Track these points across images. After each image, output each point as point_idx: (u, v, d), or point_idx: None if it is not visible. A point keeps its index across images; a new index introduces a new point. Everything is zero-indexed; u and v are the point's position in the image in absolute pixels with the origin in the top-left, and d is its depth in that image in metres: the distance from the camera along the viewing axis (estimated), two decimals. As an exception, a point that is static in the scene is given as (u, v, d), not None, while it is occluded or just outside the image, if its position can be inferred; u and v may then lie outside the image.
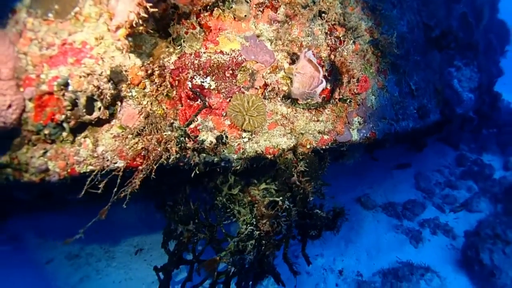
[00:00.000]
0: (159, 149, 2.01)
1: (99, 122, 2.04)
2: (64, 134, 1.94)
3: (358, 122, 3.11)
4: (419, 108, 3.59)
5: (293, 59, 2.56)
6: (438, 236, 4.75)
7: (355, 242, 4.48)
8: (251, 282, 2.78)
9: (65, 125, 1.92)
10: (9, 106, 1.74)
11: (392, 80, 3.45)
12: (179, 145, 2.05)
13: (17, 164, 1.97)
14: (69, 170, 2.04)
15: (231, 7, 2.21)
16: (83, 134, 2.04)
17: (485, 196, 5.45)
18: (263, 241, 2.70)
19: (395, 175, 5.80)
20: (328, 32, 2.79)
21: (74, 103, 1.88)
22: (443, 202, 5.39)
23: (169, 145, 2.05)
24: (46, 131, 1.92)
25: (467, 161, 6.57)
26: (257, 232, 2.73)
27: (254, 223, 2.79)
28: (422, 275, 3.82)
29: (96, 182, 2.09)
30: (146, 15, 1.66)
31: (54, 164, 2.00)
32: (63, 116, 1.89)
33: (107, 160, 2.07)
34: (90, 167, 2.07)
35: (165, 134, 2.04)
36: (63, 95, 1.85)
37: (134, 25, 1.67)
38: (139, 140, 2.06)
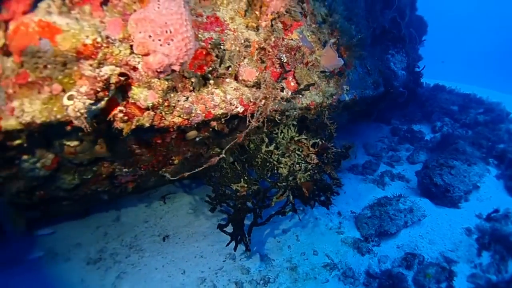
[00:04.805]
0: (272, 96, 2.88)
1: (225, 76, 2.79)
2: (211, 82, 2.63)
3: (346, 89, 4.42)
4: (373, 82, 5.13)
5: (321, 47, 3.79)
6: (395, 182, 6.37)
7: (340, 193, 5.70)
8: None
9: (209, 75, 2.63)
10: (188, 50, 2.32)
11: (358, 64, 4.91)
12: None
13: (167, 106, 2.51)
14: (206, 113, 2.70)
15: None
16: (215, 86, 2.75)
17: (423, 151, 7.30)
18: (316, 170, 3.67)
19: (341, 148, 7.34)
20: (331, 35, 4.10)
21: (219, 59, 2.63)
22: (391, 161, 7.13)
23: (275, 94, 2.93)
24: (193, 79, 2.57)
25: (400, 131, 8.40)
26: (309, 166, 3.69)
27: (303, 161, 3.75)
28: (398, 200, 5.22)
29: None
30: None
31: (196, 107, 2.63)
32: (210, 68, 2.60)
33: (233, 105, 2.80)
34: (222, 111, 2.76)
35: (272, 85, 2.91)
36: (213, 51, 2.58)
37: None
38: (255, 90, 2.88)
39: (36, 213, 4.21)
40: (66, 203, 4.10)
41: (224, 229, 3.85)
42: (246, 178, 3.92)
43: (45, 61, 2.29)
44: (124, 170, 3.60)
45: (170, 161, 3.63)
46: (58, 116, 2.39)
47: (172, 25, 2.11)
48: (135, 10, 2.46)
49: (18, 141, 2.56)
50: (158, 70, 2.27)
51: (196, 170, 2.78)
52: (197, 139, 3.44)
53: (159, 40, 2.15)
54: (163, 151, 3.35)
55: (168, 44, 2.14)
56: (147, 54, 2.25)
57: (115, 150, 3.23)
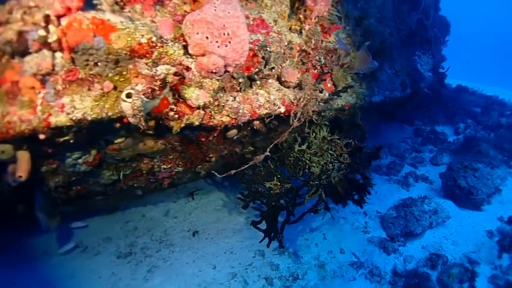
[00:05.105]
0: (313, 97, 2.93)
1: (268, 77, 2.85)
2: (258, 82, 2.69)
3: (376, 90, 4.44)
4: (401, 83, 5.16)
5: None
6: (419, 183, 6.40)
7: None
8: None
9: (255, 76, 2.69)
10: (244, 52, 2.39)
11: (387, 65, 4.94)
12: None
13: (217, 105, 2.57)
14: (252, 113, 2.76)
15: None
16: (259, 86, 2.81)
17: (446, 152, 7.30)
18: (348, 170, 3.72)
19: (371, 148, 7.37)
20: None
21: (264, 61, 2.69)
22: (414, 162, 7.14)
23: (315, 95, 2.98)
24: (241, 80, 2.63)
25: (423, 132, 8.36)
26: (342, 165, 3.74)
27: (336, 161, 3.80)
28: (423, 201, 5.28)
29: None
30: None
31: (243, 107, 2.69)
32: (256, 70, 2.66)
33: (276, 105, 2.86)
34: (266, 111, 2.83)
35: (313, 87, 2.96)
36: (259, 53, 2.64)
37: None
38: (297, 91, 2.93)
39: (70, 208, 4.35)
40: (100, 198, 4.21)
41: (257, 226, 3.92)
42: (279, 176, 3.99)
43: (96, 58, 2.32)
44: (162, 166, 3.70)
45: (208, 159, 3.72)
46: (110, 113, 2.45)
47: (229, 28, 2.18)
48: (185, 11, 2.54)
49: (66, 137, 2.61)
50: (213, 71, 2.34)
51: (243, 167, 2.85)
52: (235, 137, 3.52)
53: (217, 42, 2.21)
54: (203, 149, 3.43)
55: (226, 46, 2.21)
56: (202, 55, 2.31)
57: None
